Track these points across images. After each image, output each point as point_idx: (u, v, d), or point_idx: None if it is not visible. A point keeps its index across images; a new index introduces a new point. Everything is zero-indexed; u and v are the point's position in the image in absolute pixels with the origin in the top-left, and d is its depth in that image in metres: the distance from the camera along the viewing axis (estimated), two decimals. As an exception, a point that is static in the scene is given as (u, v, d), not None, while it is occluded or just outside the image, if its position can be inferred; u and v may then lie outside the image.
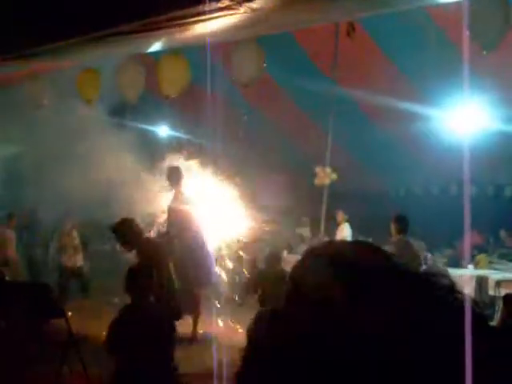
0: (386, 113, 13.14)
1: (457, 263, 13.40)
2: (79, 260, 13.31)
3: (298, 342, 1.15)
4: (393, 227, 8.85)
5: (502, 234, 15.48)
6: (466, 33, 4.80)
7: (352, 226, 14.21)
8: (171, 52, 7.36)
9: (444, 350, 1.10)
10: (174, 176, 9.69)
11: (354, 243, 1.35)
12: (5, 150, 16.06)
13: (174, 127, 15.10)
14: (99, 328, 7.90)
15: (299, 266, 1.29)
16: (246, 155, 13.51)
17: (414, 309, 1.20)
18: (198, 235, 9.49)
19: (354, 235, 14.14)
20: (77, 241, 13.20)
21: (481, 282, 12.06)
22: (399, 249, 8.40)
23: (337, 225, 14.20)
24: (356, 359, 1.11)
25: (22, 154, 14.51)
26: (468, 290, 12.28)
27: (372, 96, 12.27)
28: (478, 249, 14.15)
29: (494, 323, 6.06)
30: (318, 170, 11.03)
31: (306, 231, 15.74)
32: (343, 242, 1.34)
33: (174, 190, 9.89)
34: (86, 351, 7.91)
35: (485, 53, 5.43)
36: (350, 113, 12.77)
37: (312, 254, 1.30)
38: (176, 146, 12.63)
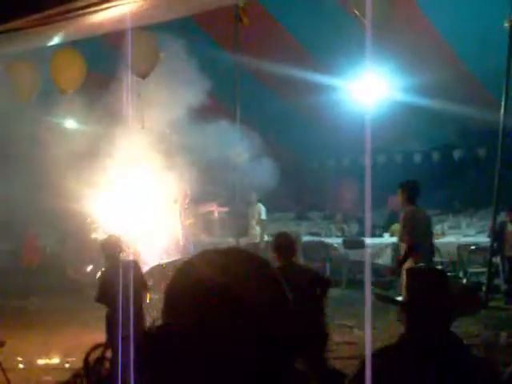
0: (289, 85, 13.27)
1: (373, 233, 13.69)
2: None
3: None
4: (402, 196, 8.25)
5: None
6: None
7: (266, 204, 14.27)
8: (65, 47, 7.22)
9: None
10: None
11: (225, 250, 1.34)
12: None
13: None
14: None
15: (172, 279, 1.28)
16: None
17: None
18: None
19: (268, 213, 14.24)
20: None
21: (396, 249, 12.38)
22: (410, 218, 7.96)
23: (250, 205, 14.18)
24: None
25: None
26: (385, 257, 12.61)
27: (276, 69, 12.34)
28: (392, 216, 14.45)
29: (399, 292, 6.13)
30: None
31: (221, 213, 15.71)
32: (214, 251, 1.33)
33: None
34: None
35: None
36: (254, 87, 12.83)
37: (181, 269, 1.29)
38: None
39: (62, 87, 7.09)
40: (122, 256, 7.32)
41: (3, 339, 7.78)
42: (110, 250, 7.08)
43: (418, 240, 7.72)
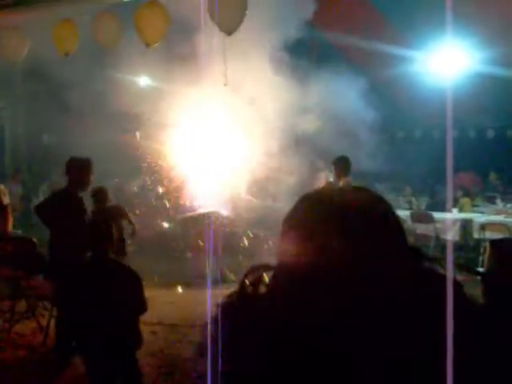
0: (369, 57, 13.07)
1: (441, 207, 13.47)
2: None
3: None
4: (335, 169, 8.77)
5: (492, 176, 15.52)
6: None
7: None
8: (149, 1, 7.24)
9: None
10: None
11: (351, 188, 1.36)
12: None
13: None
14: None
15: (291, 210, 1.30)
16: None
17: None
18: None
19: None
20: None
21: (465, 226, 12.15)
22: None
23: (319, 172, 14.14)
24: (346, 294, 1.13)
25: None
26: (452, 233, 12.40)
27: (355, 41, 12.19)
28: (463, 192, 14.21)
29: (480, 268, 6.10)
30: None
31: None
32: (337, 187, 1.35)
33: None
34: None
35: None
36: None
37: (303, 198, 1.30)
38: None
39: (146, 40, 7.10)
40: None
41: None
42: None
43: None
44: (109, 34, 7.31)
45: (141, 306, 4.96)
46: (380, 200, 1.28)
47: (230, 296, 1.39)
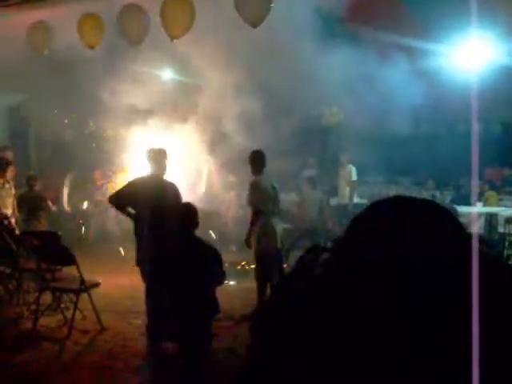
0: (393, 51, 12.97)
1: (465, 201, 13.37)
2: None
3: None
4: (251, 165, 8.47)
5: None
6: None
7: (359, 168, 14.15)
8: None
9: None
10: None
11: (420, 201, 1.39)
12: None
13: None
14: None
15: (363, 213, 1.34)
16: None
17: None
18: None
19: (359, 176, 14.12)
20: None
21: (490, 220, 12.05)
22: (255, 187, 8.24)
23: (341, 166, 14.11)
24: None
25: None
26: (477, 227, 12.30)
27: (381, 34, 12.10)
28: (489, 186, 14.09)
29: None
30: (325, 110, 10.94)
31: (312, 173, 15.68)
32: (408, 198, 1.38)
33: None
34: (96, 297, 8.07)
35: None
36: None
37: (375, 206, 1.34)
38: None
39: (172, 33, 7.11)
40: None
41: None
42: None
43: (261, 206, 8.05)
44: (135, 28, 7.33)
45: (221, 277, 5.83)
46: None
47: (286, 276, 1.43)
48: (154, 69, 12.49)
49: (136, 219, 7.52)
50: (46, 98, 13.45)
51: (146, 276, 7.35)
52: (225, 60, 10.96)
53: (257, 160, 8.47)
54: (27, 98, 16.16)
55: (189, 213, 6.12)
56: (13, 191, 10.19)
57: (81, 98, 12.59)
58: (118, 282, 9.62)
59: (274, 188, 8.48)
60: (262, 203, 8.14)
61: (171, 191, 7.49)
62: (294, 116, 12.66)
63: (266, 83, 11.62)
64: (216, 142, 11.65)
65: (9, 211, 9.92)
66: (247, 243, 8.00)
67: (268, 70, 11.63)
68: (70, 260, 7.92)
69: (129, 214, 7.61)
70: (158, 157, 7.62)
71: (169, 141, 10.33)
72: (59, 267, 8.59)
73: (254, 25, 6.98)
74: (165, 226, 6.95)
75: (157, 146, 7.93)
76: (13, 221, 9.85)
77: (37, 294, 8.40)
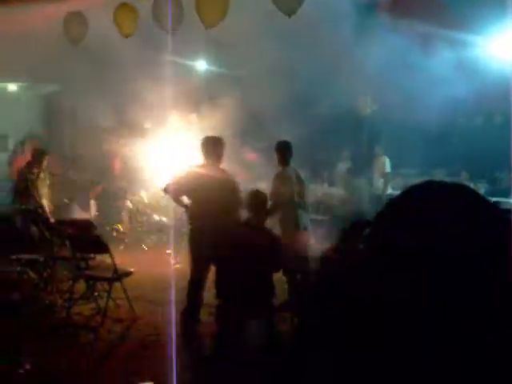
0: (427, 41, 12.81)
1: (500, 193, 13.16)
2: None
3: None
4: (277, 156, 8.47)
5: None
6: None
7: (392, 159, 14.02)
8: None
9: None
10: None
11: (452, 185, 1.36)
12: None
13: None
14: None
15: (399, 198, 1.32)
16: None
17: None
18: None
19: (393, 168, 14.00)
20: None
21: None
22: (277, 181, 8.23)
23: (375, 157, 14.00)
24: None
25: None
26: (512, 220, 12.05)
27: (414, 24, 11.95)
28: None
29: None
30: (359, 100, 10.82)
31: (347, 165, 15.59)
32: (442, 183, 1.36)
33: None
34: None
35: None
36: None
37: (408, 191, 1.32)
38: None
39: (206, 22, 7.05)
40: None
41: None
42: None
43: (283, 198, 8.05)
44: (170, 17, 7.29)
45: (280, 264, 6.14)
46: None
47: (331, 249, 1.45)
48: (188, 58, 12.49)
49: (191, 209, 7.55)
50: (81, 88, 13.53)
51: (198, 265, 7.41)
52: (259, 49, 10.92)
53: (283, 151, 8.45)
54: (62, 88, 16.29)
55: (257, 201, 6.34)
56: (48, 181, 10.29)
57: (116, 88, 12.63)
58: (150, 272, 9.66)
59: (300, 180, 8.43)
60: (284, 195, 8.13)
61: (228, 181, 7.49)
62: (328, 106, 12.58)
63: (300, 73, 11.55)
64: (251, 132, 11.63)
65: (45, 201, 10.04)
66: None
67: (302, 59, 11.58)
68: (104, 249, 7.97)
69: (183, 205, 7.63)
70: (214, 145, 7.56)
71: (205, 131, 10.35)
72: (93, 256, 8.64)
73: (289, 14, 6.91)
74: (221, 216, 7.03)
75: (212, 134, 7.88)
76: (47, 210, 9.95)
77: (70, 282, 8.48)
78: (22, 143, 14.19)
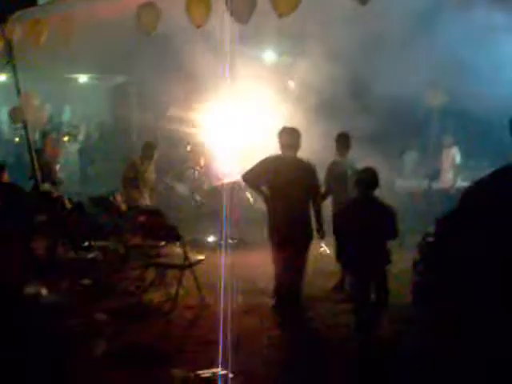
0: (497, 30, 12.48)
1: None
2: None
3: None
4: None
5: None
6: None
7: (463, 152, 13.75)
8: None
9: None
10: None
11: None
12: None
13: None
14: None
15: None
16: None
17: None
18: None
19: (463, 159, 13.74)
20: None
21: None
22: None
23: (444, 148, 13.75)
24: None
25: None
26: None
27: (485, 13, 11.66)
28: None
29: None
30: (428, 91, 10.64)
31: (414, 155, 15.39)
32: None
33: None
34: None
35: None
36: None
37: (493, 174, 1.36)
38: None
39: (280, 10, 6.97)
40: None
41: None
42: None
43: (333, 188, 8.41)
44: (242, 6, 7.24)
45: (395, 233, 6.49)
46: None
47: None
48: (258, 48, 12.50)
49: (269, 198, 7.59)
50: (152, 79, 13.70)
51: (280, 253, 7.49)
52: (326, 38, 10.85)
53: (342, 142, 8.63)
54: (132, 80, 16.53)
55: (371, 176, 6.62)
56: (154, 174, 10.49)
57: (188, 78, 12.72)
58: (220, 260, 9.71)
59: (354, 169, 8.40)
60: (336, 185, 8.32)
61: (306, 169, 7.52)
62: (396, 96, 12.42)
63: (369, 62, 11.43)
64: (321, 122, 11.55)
65: (147, 194, 10.16)
66: (319, 232, 7.74)
67: (371, 49, 11.44)
68: (175, 237, 8.06)
69: (262, 193, 7.67)
70: (291, 136, 7.59)
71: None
72: (164, 243, 8.74)
73: (363, 2, 6.78)
74: (300, 204, 7.34)
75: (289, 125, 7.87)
76: (118, 198, 10.07)
77: (141, 269, 8.61)
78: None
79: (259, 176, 7.56)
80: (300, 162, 7.54)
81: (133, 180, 9.98)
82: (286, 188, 7.32)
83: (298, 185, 7.33)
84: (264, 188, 7.62)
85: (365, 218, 6.52)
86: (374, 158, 10.21)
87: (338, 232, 6.77)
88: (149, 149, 10.22)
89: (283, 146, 7.56)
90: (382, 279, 6.64)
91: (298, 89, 12.04)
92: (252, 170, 7.64)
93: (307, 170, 7.52)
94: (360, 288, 6.70)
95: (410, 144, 15.38)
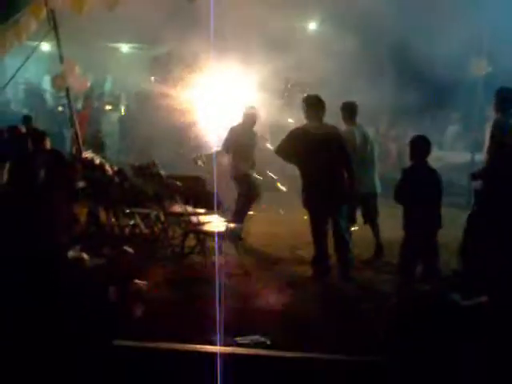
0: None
1: None
2: None
3: None
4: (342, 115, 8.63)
5: None
6: None
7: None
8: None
9: None
10: None
11: None
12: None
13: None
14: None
15: None
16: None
17: None
18: None
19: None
20: None
21: None
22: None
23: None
24: None
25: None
26: None
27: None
28: None
29: None
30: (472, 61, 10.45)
31: (456, 128, 15.19)
32: None
33: None
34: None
35: None
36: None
37: None
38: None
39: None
40: None
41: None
42: None
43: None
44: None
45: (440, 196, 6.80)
46: None
47: None
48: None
49: (303, 169, 7.66)
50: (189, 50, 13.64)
51: (317, 218, 7.69)
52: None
53: (348, 110, 8.56)
54: (170, 50, 16.49)
55: (423, 144, 6.84)
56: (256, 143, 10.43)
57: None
58: (258, 230, 9.73)
59: (366, 138, 8.55)
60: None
61: (334, 134, 7.64)
62: (437, 66, 12.24)
63: (414, 33, 11.26)
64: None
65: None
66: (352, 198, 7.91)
67: (414, 19, 11.27)
68: (215, 204, 8.09)
69: (296, 164, 7.77)
70: (315, 104, 7.68)
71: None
72: (204, 211, 8.77)
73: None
74: (330, 171, 7.47)
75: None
76: (158, 166, 10.01)
77: (181, 237, 8.66)
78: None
79: (289, 147, 7.66)
80: (326, 128, 7.62)
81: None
82: (316, 157, 7.40)
83: (327, 152, 7.42)
84: (295, 159, 7.71)
85: (423, 183, 6.74)
86: (418, 130, 10.17)
87: (402, 197, 6.88)
88: (252, 120, 10.04)
89: (308, 116, 7.69)
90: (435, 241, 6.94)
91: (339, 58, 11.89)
92: (282, 142, 7.76)
93: (334, 136, 7.62)
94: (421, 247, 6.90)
95: (452, 116, 15.19)
